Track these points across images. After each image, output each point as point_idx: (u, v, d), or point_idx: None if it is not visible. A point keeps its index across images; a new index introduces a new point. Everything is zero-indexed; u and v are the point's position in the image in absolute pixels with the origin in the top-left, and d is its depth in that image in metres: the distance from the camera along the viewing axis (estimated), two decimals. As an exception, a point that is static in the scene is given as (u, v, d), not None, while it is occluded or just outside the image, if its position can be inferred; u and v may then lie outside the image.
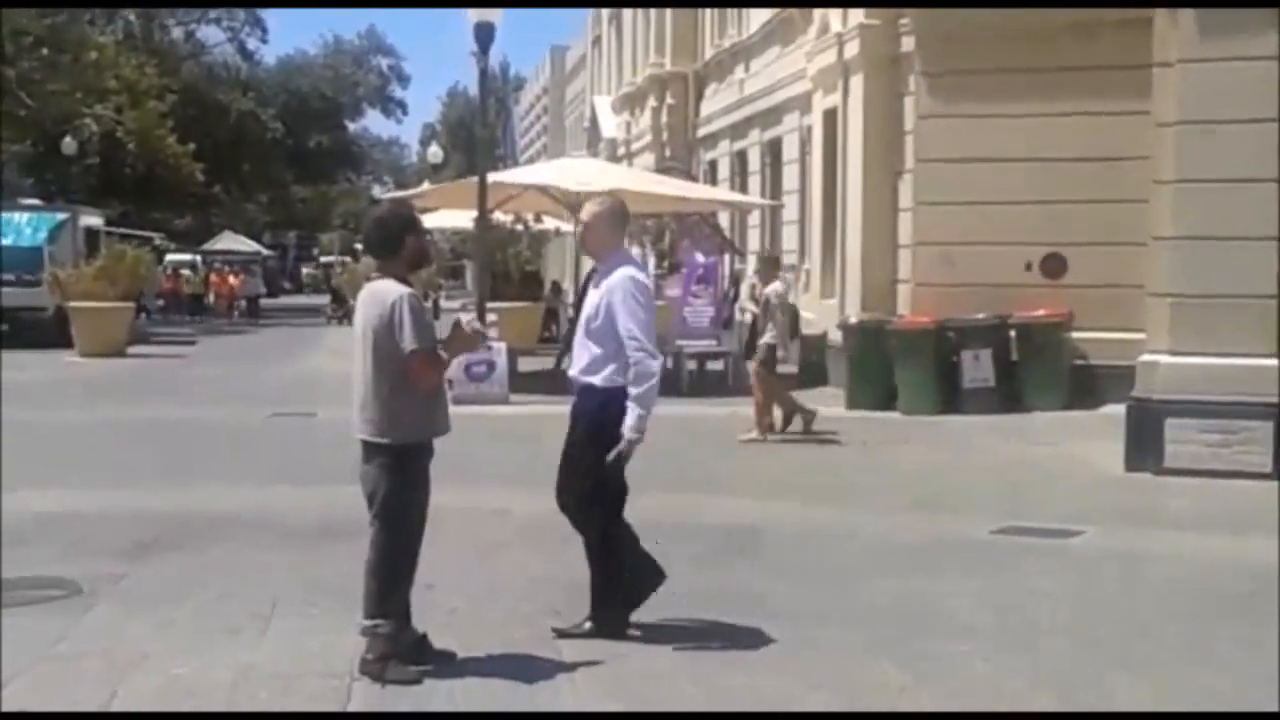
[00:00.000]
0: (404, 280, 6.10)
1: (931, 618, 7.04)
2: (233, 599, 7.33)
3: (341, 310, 40.64)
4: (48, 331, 27.13)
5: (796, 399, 14.57)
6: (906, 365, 16.02)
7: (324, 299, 48.48)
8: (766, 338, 14.30)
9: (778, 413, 14.47)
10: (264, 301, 51.48)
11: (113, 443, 14.09)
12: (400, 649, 5.98)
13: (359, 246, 44.05)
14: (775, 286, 14.46)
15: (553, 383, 19.54)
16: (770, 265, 15.37)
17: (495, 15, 18.94)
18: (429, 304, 37.55)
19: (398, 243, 6.06)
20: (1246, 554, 8.70)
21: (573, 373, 6.67)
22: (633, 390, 6.38)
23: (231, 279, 50.21)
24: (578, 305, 6.63)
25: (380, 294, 5.97)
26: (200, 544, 8.75)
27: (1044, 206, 15.93)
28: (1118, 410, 12.37)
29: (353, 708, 5.61)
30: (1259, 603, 7.46)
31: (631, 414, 6.35)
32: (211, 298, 49.17)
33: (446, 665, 6.06)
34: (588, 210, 6.87)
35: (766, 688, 5.90)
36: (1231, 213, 11.34)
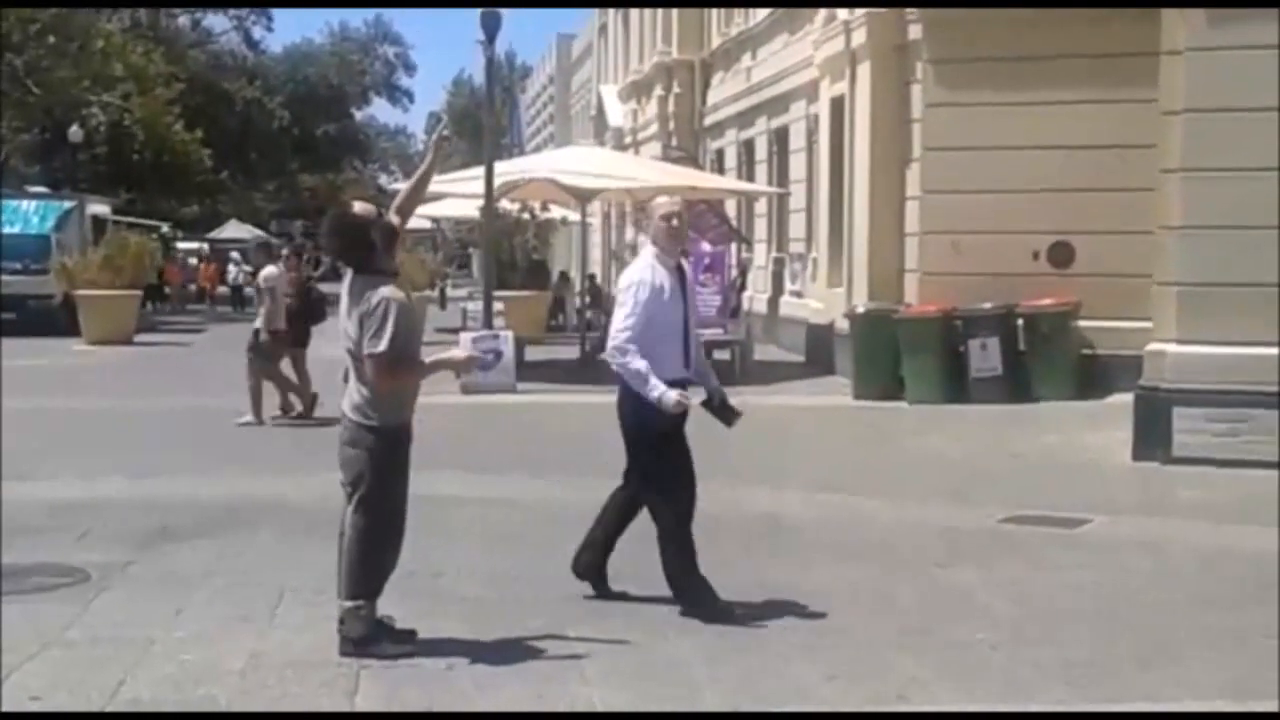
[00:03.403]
0: (394, 273, 6.14)
1: (942, 606, 7.04)
2: (242, 587, 7.35)
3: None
4: (55, 319, 27.17)
5: (291, 380, 14.72)
6: (913, 355, 16.00)
7: (332, 287, 47.98)
8: (257, 322, 14.68)
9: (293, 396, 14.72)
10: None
11: (121, 431, 14.11)
12: (380, 630, 6.06)
13: None
14: (269, 270, 14.63)
15: (559, 371, 19.60)
16: (262, 251, 15.71)
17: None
18: (435, 292, 37.80)
19: (365, 244, 6.06)
20: (1255, 543, 8.68)
21: (691, 373, 6.91)
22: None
23: (213, 266, 48.88)
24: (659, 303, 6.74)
25: (370, 286, 5.99)
26: (210, 532, 8.77)
27: (1051, 195, 15.89)
28: (1125, 399, 12.36)
29: (361, 696, 5.63)
30: (1269, 591, 7.46)
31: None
32: (194, 286, 47.97)
33: (411, 643, 6.12)
34: (678, 204, 7.08)
35: (780, 676, 5.91)
36: (1239, 202, 11.31)
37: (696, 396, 6.90)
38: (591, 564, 7.07)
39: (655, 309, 6.70)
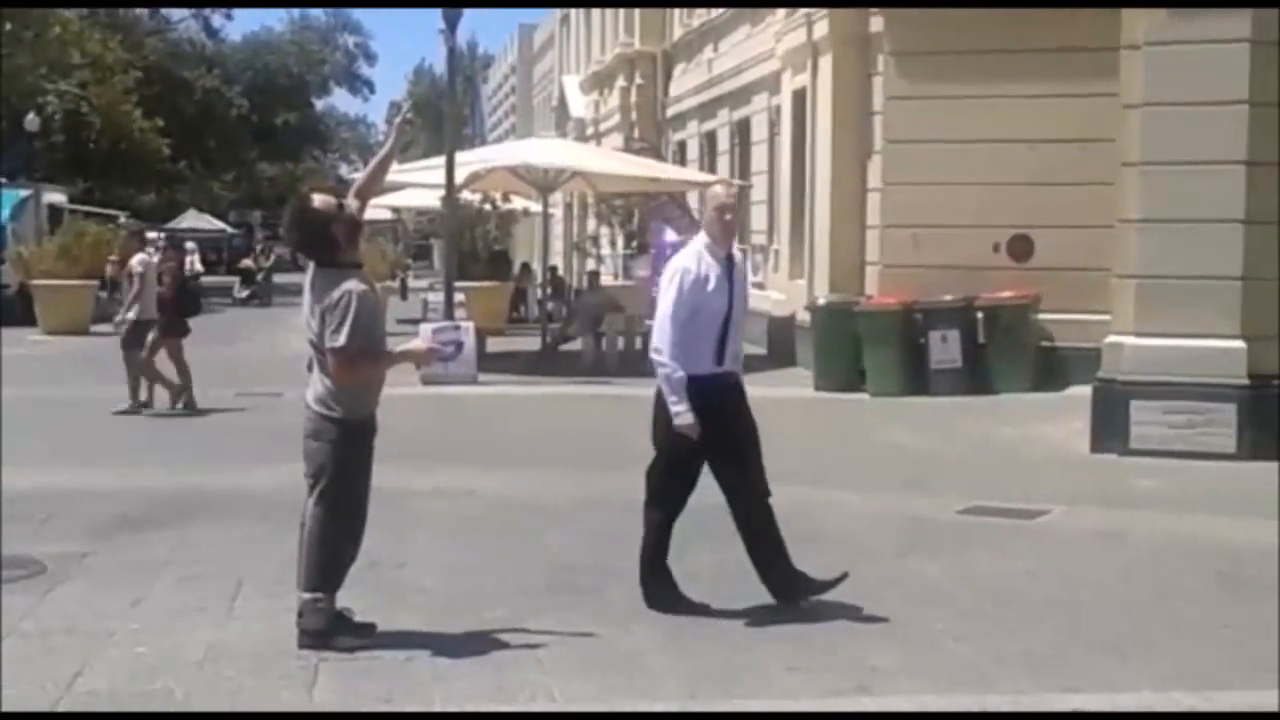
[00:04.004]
0: (357, 265, 6.08)
1: (902, 596, 7.06)
2: (200, 578, 7.30)
3: (250, 288, 39.95)
4: (11, 309, 26.92)
5: (162, 373, 14.61)
6: (874, 346, 16.06)
7: (294, 277, 47.65)
8: (130, 313, 14.51)
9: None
10: (212, 280, 49.55)
11: (78, 421, 13.98)
12: (339, 623, 6.04)
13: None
14: (139, 258, 14.70)
15: (520, 363, 19.57)
16: (134, 239, 15.69)
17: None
18: (396, 283, 37.64)
19: (326, 238, 6.00)
20: (1212, 533, 8.78)
21: (729, 369, 6.76)
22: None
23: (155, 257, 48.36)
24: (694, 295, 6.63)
25: (333, 280, 5.93)
26: (167, 523, 8.70)
27: (1011, 188, 15.97)
28: (1084, 391, 12.44)
29: (319, 688, 5.59)
30: (1224, 582, 7.53)
31: None
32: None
33: (370, 636, 6.09)
34: (733, 195, 6.94)
35: (740, 666, 5.91)
36: (1197, 195, 11.39)
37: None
38: (782, 580, 6.74)
39: (699, 299, 6.57)
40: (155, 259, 15.22)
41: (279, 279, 40.20)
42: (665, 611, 6.64)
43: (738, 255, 6.96)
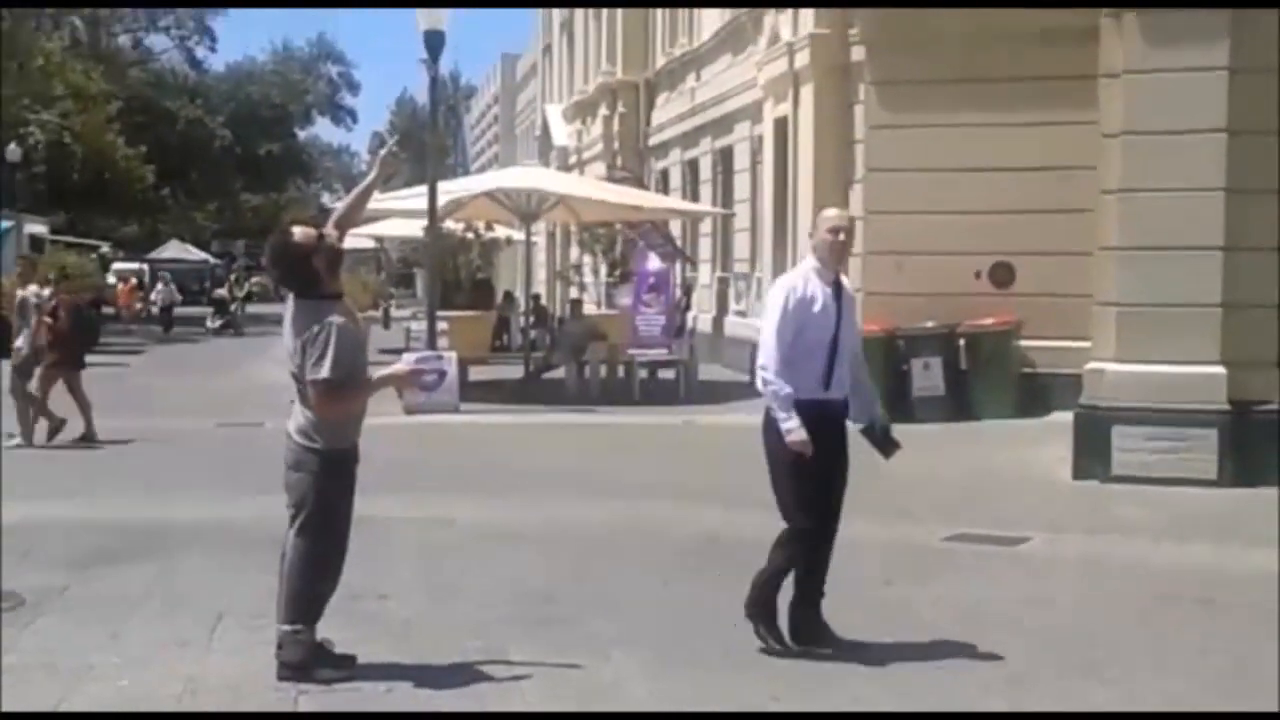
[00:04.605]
0: (338, 295, 6.07)
1: (888, 623, 7.05)
2: (179, 610, 7.25)
3: (223, 319, 39.79)
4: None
5: (45, 406, 14.44)
6: (857, 373, 16.05)
7: (275, 308, 47.22)
8: (18, 341, 14.49)
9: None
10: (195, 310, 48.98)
11: (57, 452, 13.92)
12: (319, 654, 6.00)
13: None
14: (31, 288, 14.67)
15: (503, 392, 19.53)
16: (28, 267, 15.73)
17: (443, 17, 18.80)
18: (379, 312, 37.61)
19: (307, 271, 5.97)
20: (1193, 559, 8.79)
21: (837, 396, 6.54)
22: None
23: (130, 286, 47.09)
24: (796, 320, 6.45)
25: (314, 312, 5.91)
26: (147, 555, 8.65)
27: (993, 216, 16.03)
28: (1065, 418, 12.45)
29: None
30: (1208, 608, 7.54)
31: None
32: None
33: (350, 668, 6.05)
34: (846, 218, 6.76)
35: (723, 695, 5.89)
36: (1177, 223, 11.45)
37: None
38: (806, 624, 6.57)
39: (804, 320, 6.40)
40: (47, 291, 14.89)
41: (259, 309, 40.09)
42: (809, 645, 6.48)
43: (846, 281, 6.77)
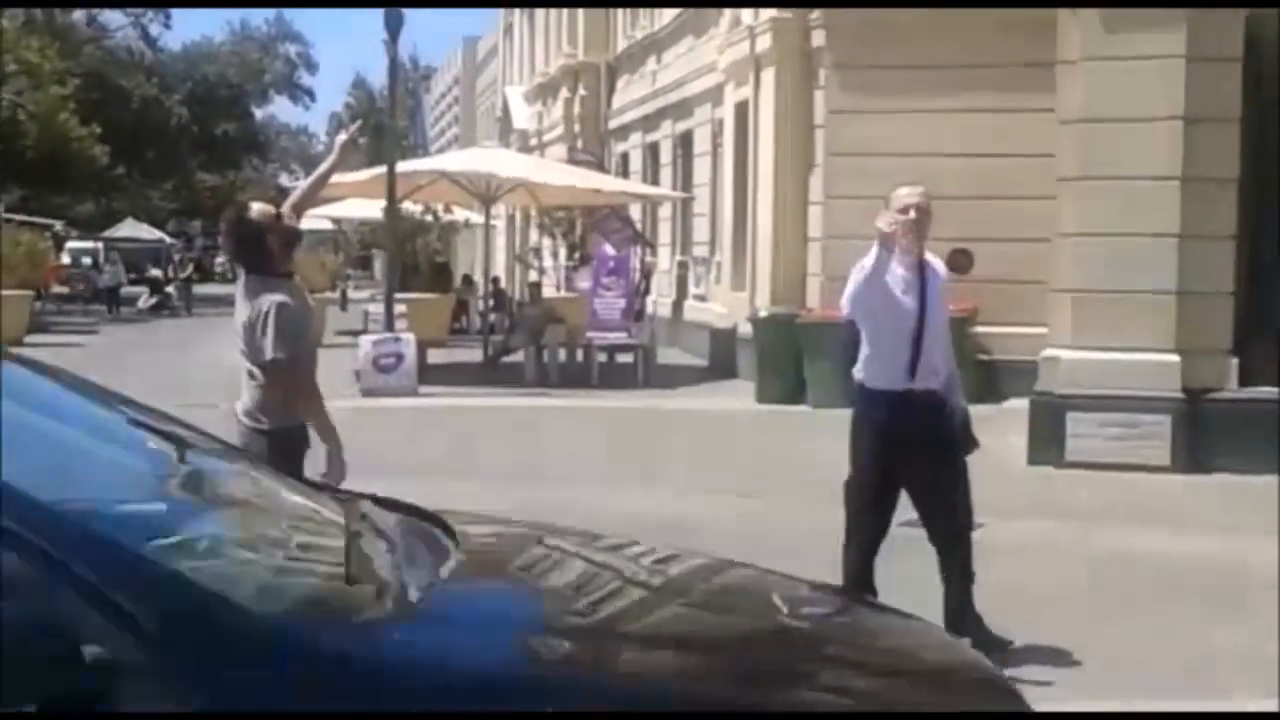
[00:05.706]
0: (288, 274, 6.04)
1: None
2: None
3: (157, 297, 39.58)
4: (-56, 319, 26.49)
5: None
6: (815, 358, 16.09)
7: (229, 288, 46.75)
8: None
9: None
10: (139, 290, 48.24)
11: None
12: None
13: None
14: None
15: (461, 375, 19.48)
16: None
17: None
18: (337, 294, 37.39)
19: (260, 247, 5.96)
20: (1147, 544, 8.86)
21: (925, 386, 6.19)
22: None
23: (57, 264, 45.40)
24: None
25: (259, 288, 5.89)
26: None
27: (951, 202, 15.94)
28: (1020, 404, 12.52)
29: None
30: (1161, 593, 7.60)
31: None
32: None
33: None
34: (919, 194, 6.32)
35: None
36: (1131, 210, 11.52)
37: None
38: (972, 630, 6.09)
39: (879, 300, 6.07)
40: None
41: (216, 289, 39.77)
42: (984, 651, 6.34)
43: (936, 263, 6.42)
